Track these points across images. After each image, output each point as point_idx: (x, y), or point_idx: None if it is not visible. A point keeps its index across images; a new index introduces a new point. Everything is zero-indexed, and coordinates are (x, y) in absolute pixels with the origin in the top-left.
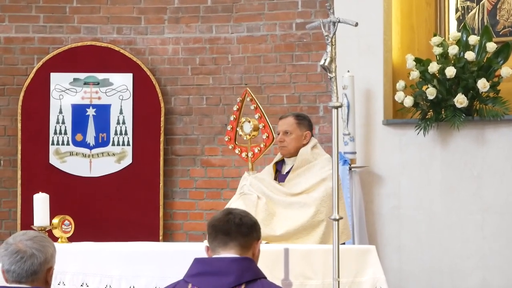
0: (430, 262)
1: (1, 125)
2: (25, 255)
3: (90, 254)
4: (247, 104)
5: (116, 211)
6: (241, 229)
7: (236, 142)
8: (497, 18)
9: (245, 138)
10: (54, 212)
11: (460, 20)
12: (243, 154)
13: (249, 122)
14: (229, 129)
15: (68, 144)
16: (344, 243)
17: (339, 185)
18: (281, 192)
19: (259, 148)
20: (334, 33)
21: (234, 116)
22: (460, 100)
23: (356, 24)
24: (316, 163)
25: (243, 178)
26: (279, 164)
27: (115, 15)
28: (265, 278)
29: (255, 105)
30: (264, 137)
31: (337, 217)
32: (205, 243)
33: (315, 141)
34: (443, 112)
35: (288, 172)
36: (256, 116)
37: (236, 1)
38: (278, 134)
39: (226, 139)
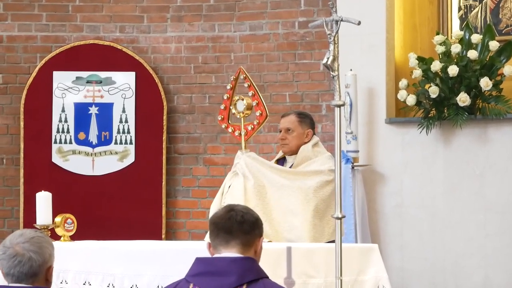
0: (433, 261)
1: (3, 123)
2: (23, 259)
3: (93, 253)
4: (240, 83)
5: (119, 209)
6: (243, 227)
7: (229, 122)
8: (500, 16)
9: (238, 117)
10: (56, 210)
11: (462, 19)
12: (236, 133)
13: (243, 100)
14: (222, 108)
15: (70, 142)
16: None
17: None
18: (276, 169)
19: (252, 126)
20: (337, 32)
21: (228, 95)
22: (463, 99)
23: (359, 23)
24: (317, 159)
25: (236, 157)
26: (280, 162)
27: (117, 13)
28: (267, 277)
29: (248, 83)
30: (258, 114)
31: (340, 216)
32: (206, 239)
33: (316, 139)
34: (445, 111)
35: None
36: (250, 93)
37: (239, 0)
38: (280, 131)
39: (219, 119)
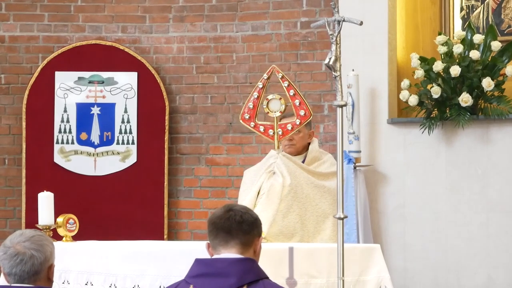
0: (435, 261)
1: (5, 123)
2: (24, 257)
3: (95, 253)
4: (272, 83)
5: (121, 210)
6: (242, 227)
7: (257, 120)
8: (502, 17)
9: (271, 115)
10: (58, 211)
11: (464, 19)
12: (270, 132)
13: (280, 99)
14: (250, 107)
15: (72, 143)
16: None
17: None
18: (307, 169)
19: (291, 126)
20: (339, 32)
21: (257, 93)
22: (465, 99)
23: (361, 23)
24: (326, 159)
25: (270, 156)
26: None
27: (120, 14)
28: (267, 278)
29: (287, 82)
30: (302, 113)
31: (342, 216)
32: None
33: (316, 139)
34: (447, 111)
35: None
36: (291, 93)
37: (241, 0)
38: None
39: (246, 117)
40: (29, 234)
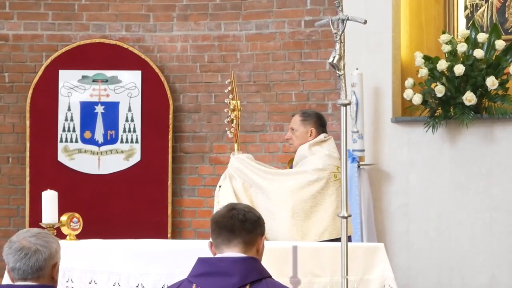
0: (439, 260)
1: (9, 122)
2: (29, 251)
3: (99, 252)
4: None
5: (125, 208)
6: (245, 226)
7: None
8: (506, 16)
9: (229, 118)
10: (62, 209)
11: (469, 18)
12: (230, 135)
13: (229, 102)
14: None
15: (76, 141)
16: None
17: (347, 183)
18: (260, 171)
19: (234, 123)
20: (343, 31)
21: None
22: (469, 98)
23: (365, 22)
24: (309, 159)
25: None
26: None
27: (123, 12)
28: (270, 277)
29: (230, 86)
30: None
31: (346, 215)
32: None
33: (321, 138)
34: (451, 110)
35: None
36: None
37: None
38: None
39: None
40: (36, 231)
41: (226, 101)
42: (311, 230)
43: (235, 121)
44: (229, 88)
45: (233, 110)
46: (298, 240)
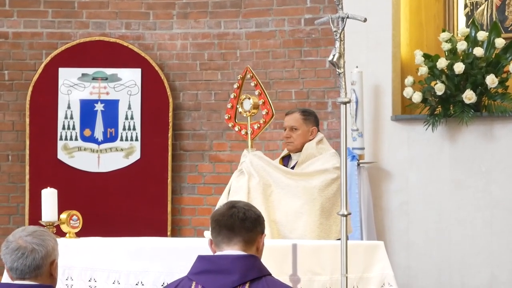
0: (439, 258)
1: (9, 120)
2: (26, 251)
3: (98, 250)
4: (247, 81)
5: (124, 206)
6: (245, 224)
7: (236, 120)
8: (506, 14)
9: (245, 115)
10: (62, 207)
11: (468, 16)
12: (243, 131)
13: (249, 99)
14: (229, 107)
15: (76, 139)
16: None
17: (346, 181)
18: (281, 170)
19: (258, 125)
20: (343, 29)
21: (234, 94)
22: (469, 96)
23: (365, 20)
24: (320, 157)
25: (242, 155)
26: (285, 160)
27: (123, 10)
28: (270, 275)
29: (255, 82)
30: (264, 113)
31: (345, 213)
32: (206, 234)
33: (321, 136)
34: (451, 108)
35: (293, 167)
36: (256, 92)
37: None
38: (285, 129)
39: (226, 117)
40: (31, 229)
41: (243, 97)
42: (332, 227)
43: (262, 119)
44: (253, 83)
45: (255, 107)
46: (324, 238)
